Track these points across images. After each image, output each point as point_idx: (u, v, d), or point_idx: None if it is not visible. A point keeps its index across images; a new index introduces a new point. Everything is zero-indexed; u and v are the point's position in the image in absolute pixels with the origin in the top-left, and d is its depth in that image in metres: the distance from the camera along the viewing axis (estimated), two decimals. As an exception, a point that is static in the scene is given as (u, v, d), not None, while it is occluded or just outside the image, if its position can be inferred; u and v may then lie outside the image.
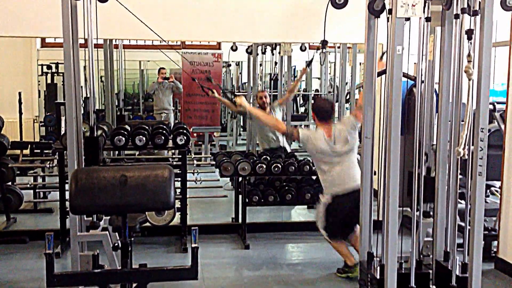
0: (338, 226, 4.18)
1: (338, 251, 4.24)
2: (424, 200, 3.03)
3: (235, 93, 5.66)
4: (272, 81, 10.50)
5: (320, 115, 4.22)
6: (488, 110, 2.79)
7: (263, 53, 8.05)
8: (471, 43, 2.76)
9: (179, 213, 5.09)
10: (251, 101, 6.84)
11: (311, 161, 5.28)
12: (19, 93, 8.01)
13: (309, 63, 6.66)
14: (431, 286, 2.90)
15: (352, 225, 4.14)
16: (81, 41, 3.92)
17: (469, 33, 2.75)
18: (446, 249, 3.11)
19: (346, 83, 7.40)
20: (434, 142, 3.43)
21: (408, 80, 4.58)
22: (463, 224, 2.99)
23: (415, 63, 3.35)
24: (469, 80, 2.74)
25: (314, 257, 4.90)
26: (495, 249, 4.58)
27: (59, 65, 9.22)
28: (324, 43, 4.17)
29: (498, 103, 4.98)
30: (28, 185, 6.16)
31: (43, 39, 9.87)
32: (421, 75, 3.09)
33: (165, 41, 4.68)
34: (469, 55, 2.74)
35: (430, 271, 3.10)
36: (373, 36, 3.12)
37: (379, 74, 3.43)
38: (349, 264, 4.18)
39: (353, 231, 4.15)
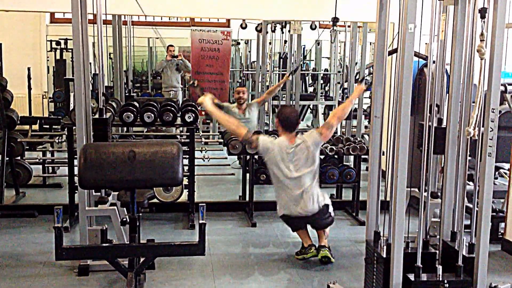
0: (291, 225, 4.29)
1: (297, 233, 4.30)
2: (434, 151, 3.01)
3: (197, 86, 5.56)
4: (281, 60, 10.43)
5: (285, 124, 4.13)
6: (499, 91, 2.76)
7: (273, 31, 7.97)
8: (484, 22, 2.72)
9: (187, 190, 5.12)
10: (250, 86, 6.81)
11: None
12: (28, 69, 8.02)
13: (294, 71, 6.64)
14: (437, 265, 2.91)
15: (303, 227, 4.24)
16: (90, 16, 3.90)
17: (483, 11, 2.71)
18: (453, 230, 3.11)
19: (356, 63, 7.33)
20: (444, 124, 3.40)
21: (419, 60, 4.55)
22: (471, 205, 2.98)
23: (426, 44, 3.31)
24: (481, 59, 2.71)
25: (320, 236, 4.92)
26: (502, 231, 4.58)
27: (68, 41, 9.19)
28: (335, 20, 4.13)
29: (509, 84, 4.93)
30: (37, 160, 6.21)
31: (52, 15, 9.84)
32: (432, 55, 3.05)
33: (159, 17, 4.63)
34: (482, 34, 2.70)
35: (437, 251, 3.11)
36: (385, 14, 3.08)
37: (390, 53, 3.40)
38: (305, 246, 4.19)
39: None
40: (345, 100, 4.61)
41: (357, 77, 7.43)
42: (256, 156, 5.16)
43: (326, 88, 10.87)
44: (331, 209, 4.18)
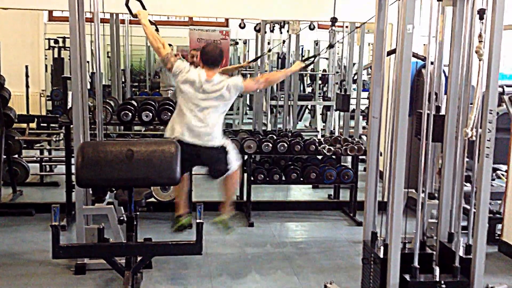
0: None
1: (176, 196, 4.25)
2: (432, 139, 3.00)
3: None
4: (279, 60, 10.43)
5: (206, 59, 4.05)
6: (497, 92, 2.76)
7: (271, 31, 7.97)
8: (482, 23, 2.72)
9: (185, 189, 5.10)
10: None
11: (316, 140, 5.28)
12: (26, 67, 8.00)
13: (255, 59, 6.64)
14: (434, 266, 2.91)
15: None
16: (88, 15, 3.89)
17: (481, 12, 2.71)
18: (450, 231, 3.11)
19: (354, 64, 7.34)
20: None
21: (417, 61, 4.55)
22: (468, 206, 2.98)
23: (424, 45, 3.31)
24: (480, 60, 2.71)
25: (317, 236, 4.93)
26: (499, 232, 4.58)
27: (66, 40, 9.18)
28: (333, 20, 4.13)
29: (507, 86, 4.93)
30: (35, 158, 6.20)
31: (50, 13, 9.82)
32: (431, 56, 3.05)
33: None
34: (480, 35, 2.70)
35: (434, 252, 3.11)
36: (384, 15, 3.08)
37: (389, 53, 3.40)
38: (176, 215, 4.22)
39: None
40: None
41: (355, 77, 7.45)
42: (253, 156, 5.17)
43: (324, 89, 10.87)
44: (232, 158, 4.13)
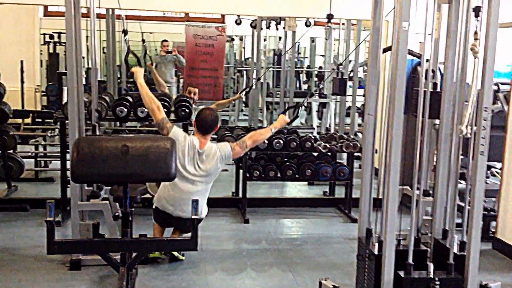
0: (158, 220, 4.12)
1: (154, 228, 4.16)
2: (429, 116, 2.99)
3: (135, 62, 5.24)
4: (275, 57, 10.43)
5: (200, 125, 4.03)
6: (492, 89, 2.76)
7: (268, 27, 7.98)
8: (478, 21, 2.72)
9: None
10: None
11: (312, 137, 5.28)
12: (21, 62, 7.97)
13: (248, 91, 6.63)
14: (428, 263, 2.92)
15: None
16: (83, 10, 3.88)
17: (477, 10, 2.72)
18: (444, 228, 3.12)
19: (350, 61, 7.34)
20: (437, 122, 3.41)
21: (413, 58, 4.56)
22: (462, 204, 2.99)
23: (420, 42, 3.31)
24: (475, 58, 2.72)
25: (312, 233, 4.94)
26: (493, 230, 4.61)
27: (62, 35, 9.14)
28: (330, 16, 4.12)
29: (502, 84, 4.95)
30: (30, 154, 6.18)
31: (45, 8, 9.77)
32: (426, 53, 3.05)
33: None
34: (475, 33, 2.71)
35: (428, 249, 3.12)
36: (380, 12, 3.08)
37: (384, 50, 3.40)
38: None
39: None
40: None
41: (351, 75, 7.45)
42: (249, 153, 5.17)
43: (321, 86, 10.88)
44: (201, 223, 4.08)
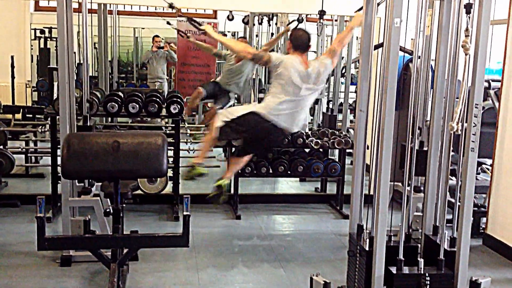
0: (249, 144, 4.12)
1: (204, 145, 4.15)
2: (415, 173, 3.03)
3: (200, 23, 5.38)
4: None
5: (296, 43, 4.03)
6: (483, 86, 2.78)
7: (260, 23, 7.94)
8: (469, 18, 2.73)
9: (171, 181, 5.10)
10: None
11: (303, 133, 5.28)
12: (12, 57, 7.92)
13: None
14: (419, 259, 2.93)
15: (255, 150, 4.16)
16: (75, 5, 3.86)
17: (468, 7, 2.73)
18: (435, 224, 3.14)
19: (342, 57, 7.34)
20: (428, 118, 3.43)
21: (405, 55, 4.56)
22: (453, 200, 3.01)
23: (412, 39, 3.32)
24: (466, 55, 2.72)
25: (304, 229, 4.95)
26: (483, 226, 4.63)
27: (53, 30, 9.08)
28: (321, 13, 4.12)
29: (493, 81, 4.98)
30: (20, 150, 6.14)
31: (36, 3, 9.70)
32: (418, 50, 3.06)
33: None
34: (467, 30, 2.72)
35: (419, 245, 3.13)
36: (372, 8, 3.08)
37: (376, 47, 3.41)
38: (194, 162, 4.14)
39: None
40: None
41: (343, 71, 7.45)
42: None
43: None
44: None
